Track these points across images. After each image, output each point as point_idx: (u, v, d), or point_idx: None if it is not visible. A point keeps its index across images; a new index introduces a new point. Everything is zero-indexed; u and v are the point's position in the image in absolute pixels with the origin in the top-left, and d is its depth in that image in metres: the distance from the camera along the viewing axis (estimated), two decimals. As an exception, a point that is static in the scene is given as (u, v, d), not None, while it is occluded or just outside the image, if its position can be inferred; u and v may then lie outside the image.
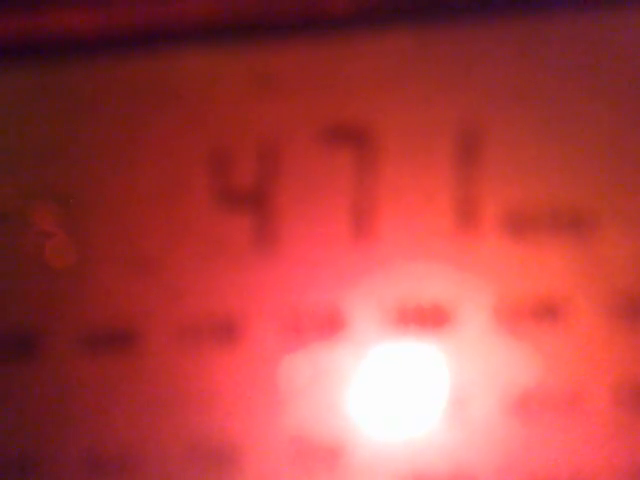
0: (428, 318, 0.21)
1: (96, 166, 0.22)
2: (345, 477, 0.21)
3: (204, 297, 0.21)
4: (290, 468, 0.21)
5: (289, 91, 0.21)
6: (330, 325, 0.21)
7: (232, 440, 0.21)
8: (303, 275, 0.21)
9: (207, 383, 0.21)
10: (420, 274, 0.21)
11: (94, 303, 0.22)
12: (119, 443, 0.22)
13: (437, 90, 0.20)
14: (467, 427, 0.21)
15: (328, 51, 0.21)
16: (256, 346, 0.21)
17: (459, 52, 0.20)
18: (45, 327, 0.22)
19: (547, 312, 0.20)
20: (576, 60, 0.20)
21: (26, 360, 0.22)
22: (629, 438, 0.20)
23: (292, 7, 0.20)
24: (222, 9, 0.20)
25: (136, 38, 0.21)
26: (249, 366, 0.21)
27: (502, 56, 0.20)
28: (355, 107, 0.21)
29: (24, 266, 0.22)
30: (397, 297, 0.21)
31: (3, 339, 0.22)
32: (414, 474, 0.21)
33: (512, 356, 0.20)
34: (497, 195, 0.20)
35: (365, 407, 0.21)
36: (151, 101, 0.21)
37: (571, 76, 0.20)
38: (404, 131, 0.21)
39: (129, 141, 0.21)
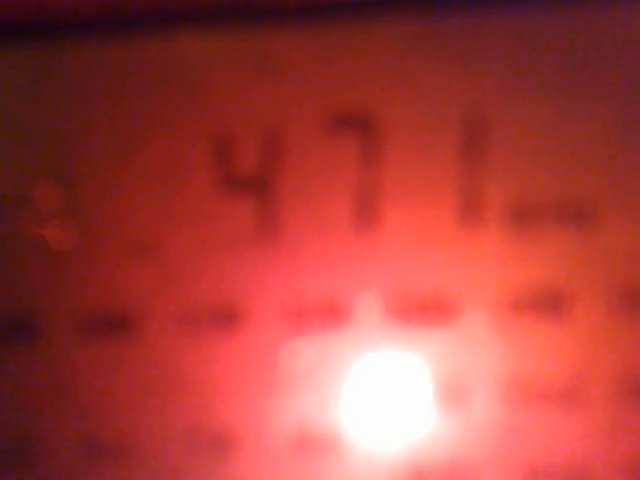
0: (430, 308, 0.21)
1: (97, 150, 0.21)
2: (344, 465, 0.21)
3: (205, 283, 0.21)
4: (289, 456, 0.21)
5: (293, 77, 0.21)
6: (332, 313, 0.21)
7: (231, 427, 0.21)
8: (305, 263, 0.21)
9: (207, 370, 0.21)
10: (423, 264, 0.21)
11: (94, 288, 0.22)
12: (117, 428, 0.22)
13: (443, 79, 0.20)
14: (468, 418, 0.21)
15: (333, 37, 0.20)
16: (257, 333, 0.21)
17: (465, 41, 0.20)
18: (44, 311, 0.22)
19: (550, 304, 0.20)
20: (581, 52, 0.20)
21: (24, 344, 0.22)
22: (629, 429, 0.20)
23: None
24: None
25: (138, 20, 0.20)
26: (250, 353, 0.21)
27: (508, 47, 0.20)
28: (360, 95, 0.21)
29: (23, 249, 0.22)
30: (399, 286, 0.21)
31: (1, 323, 0.22)
32: (414, 463, 0.21)
33: (514, 347, 0.20)
34: (501, 186, 0.20)
35: (366, 396, 0.21)
36: (153, 85, 0.21)
37: (576, 68, 0.20)
38: (409, 119, 0.20)
39: (131, 125, 0.21)
